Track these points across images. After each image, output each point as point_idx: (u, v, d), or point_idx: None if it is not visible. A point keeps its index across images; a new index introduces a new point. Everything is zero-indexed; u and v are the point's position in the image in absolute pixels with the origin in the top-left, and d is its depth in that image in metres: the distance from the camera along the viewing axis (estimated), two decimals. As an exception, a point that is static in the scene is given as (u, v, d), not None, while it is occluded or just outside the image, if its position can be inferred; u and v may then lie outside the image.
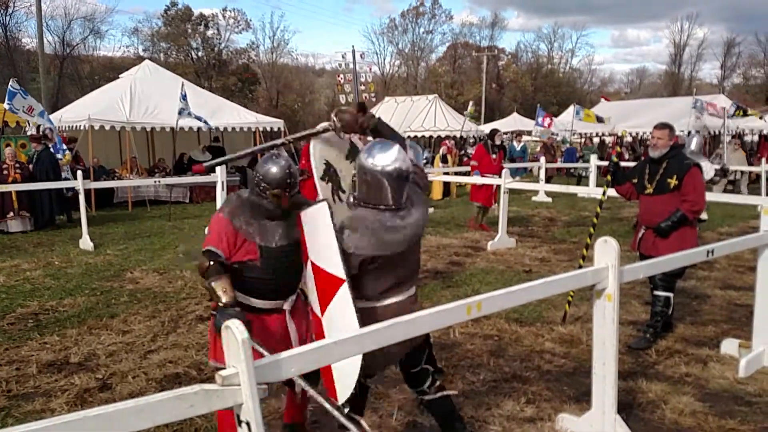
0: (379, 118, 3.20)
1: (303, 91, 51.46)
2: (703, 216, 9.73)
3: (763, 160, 14.41)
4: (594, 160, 15.76)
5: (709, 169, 8.58)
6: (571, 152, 20.70)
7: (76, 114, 15.08)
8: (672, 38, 59.68)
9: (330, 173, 3.20)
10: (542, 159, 15.87)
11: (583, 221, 11.45)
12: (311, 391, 2.33)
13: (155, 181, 13.36)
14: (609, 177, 5.55)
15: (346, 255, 2.69)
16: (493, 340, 5.12)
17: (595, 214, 5.79)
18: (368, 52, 43.97)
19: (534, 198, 15.12)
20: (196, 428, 3.60)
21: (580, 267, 5.09)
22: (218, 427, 3.16)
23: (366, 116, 3.12)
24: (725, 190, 14.14)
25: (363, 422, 3.00)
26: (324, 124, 3.20)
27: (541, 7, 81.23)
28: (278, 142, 3.65)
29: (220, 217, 3.04)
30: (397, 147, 2.86)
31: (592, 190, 12.25)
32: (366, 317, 2.84)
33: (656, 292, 5.12)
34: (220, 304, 2.80)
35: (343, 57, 22.01)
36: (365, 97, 21.04)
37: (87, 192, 10.24)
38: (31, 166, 11.04)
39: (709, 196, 5.98)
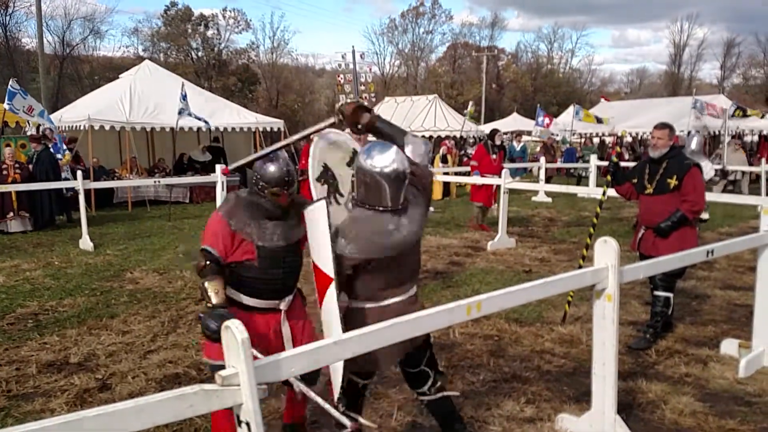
0: (378, 116, 3.19)
1: (303, 91, 51.48)
2: (705, 216, 9.74)
3: (763, 160, 14.41)
4: (594, 160, 15.76)
5: (709, 169, 8.57)
6: (570, 152, 20.69)
7: (76, 114, 15.07)
8: (672, 38, 59.82)
9: (327, 176, 3.19)
10: (542, 159, 15.87)
11: (583, 221, 11.45)
12: (306, 390, 2.33)
13: (155, 181, 13.36)
14: (609, 177, 5.56)
15: (338, 258, 2.71)
16: (493, 340, 5.12)
17: (595, 214, 5.79)
18: (368, 53, 43.94)
19: (534, 198, 15.12)
20: (195, 428, 3.60)
21: (580, 267, 5.09)
22: (212, 428, 3.15)
23: (372, 116, 3.08)
24: (725, 190, 14.15)
25: (361, 419, 3.01)
26: (332, 119, 3.19)
27: (541, 7, 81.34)
28: (297, 137, 3.58)
29: (217, 216, 3.03)
30: (395, 148, 2.86)
31: (591, 190, 12.27)
32: (366, 317, 2.85)
33: (656, 293, 5.12)
34: (209, 305, 2.81)
35: (343, 57, 21.96)
36: (365, 98, 20.98)
37: (87, 192, 10.23)
38: (30, 166, 11.02)
39: (709, 196, 5.98)
